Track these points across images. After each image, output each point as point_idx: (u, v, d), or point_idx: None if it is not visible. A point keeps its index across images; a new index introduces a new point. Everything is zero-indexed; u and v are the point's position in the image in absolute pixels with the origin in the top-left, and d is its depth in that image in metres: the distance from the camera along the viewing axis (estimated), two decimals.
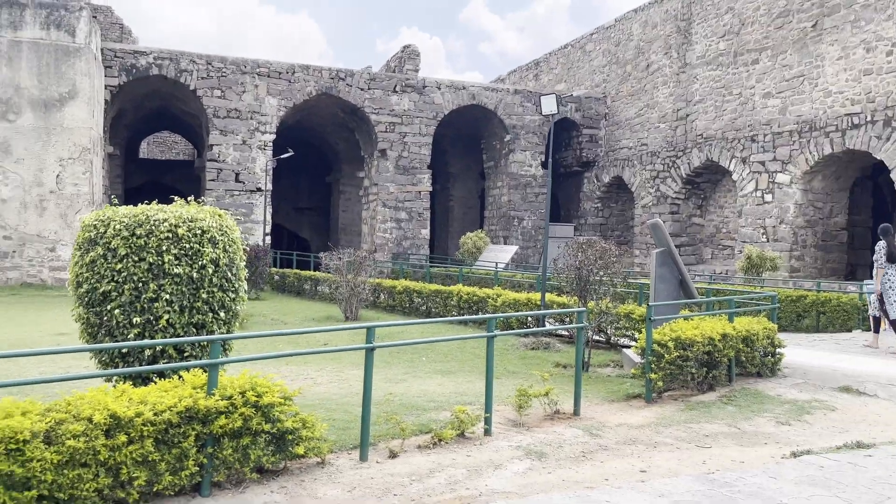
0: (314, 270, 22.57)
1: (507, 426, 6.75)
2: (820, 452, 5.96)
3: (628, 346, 10.63)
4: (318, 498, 4.73)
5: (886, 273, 11.21)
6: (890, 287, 11.19)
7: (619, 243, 27.19)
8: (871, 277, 12.35)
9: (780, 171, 20.56)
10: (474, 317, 7.71)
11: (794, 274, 19.96)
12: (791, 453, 6.01)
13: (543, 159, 30.67)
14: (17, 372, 8.38)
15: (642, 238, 27.08)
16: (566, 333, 12.10)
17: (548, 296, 12.38)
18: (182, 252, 5.87)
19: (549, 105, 11.70)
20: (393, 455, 5.64)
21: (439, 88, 29.07)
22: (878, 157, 17.70)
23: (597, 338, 11.24)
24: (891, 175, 17.39)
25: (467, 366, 9.92)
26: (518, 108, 30.27)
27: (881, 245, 11.25)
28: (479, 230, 28.93)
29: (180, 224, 5.92)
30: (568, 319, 11.04)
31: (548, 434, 6.52)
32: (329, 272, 16.77)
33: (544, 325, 11.70)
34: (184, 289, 5.85)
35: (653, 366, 7.81)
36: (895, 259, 11.19)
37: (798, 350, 10.99)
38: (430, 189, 29.62)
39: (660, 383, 7.82)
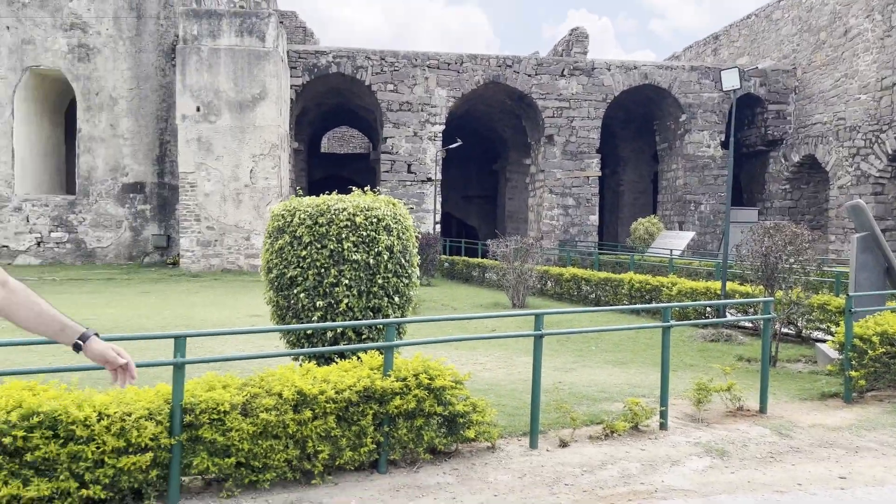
0: (482, 258, 22.86)
1: (684, 421, 6.40)
2: None
3: (823, 341, 9.72)
4: (488, 482, 4.77)
5: None
6: None
7: (812, 228, 24.90)
8: None
9: None
10: (647, 306, 7.38)
11: None
12: None
13: (723, 139, 28.77)
14: (219, 349, 9.28)
15: (838, 222, 24.60)
16: (749, 325, 11.29)
17: (729, 284, 11.61)
18: (360, 239, 6.15)
19: (730, 80, 10.90)
20: (563, 444, 5.56)
21: (609, 69, 28.19)
22: None
23: (785, 330, 10.38)
24: None
25: (640, 357, 9.56)
26: (694, 85, 28.60)
27: None
28: (652, 215, 27.76)
29: (358, 213, 6.19)
30: (752, 310, 10.29)
31: (730, 431, 6.10)
32: (496, 259, 16.90)
33: (725, 316, 11.00)
34: (361, 274, 6.13)
35: (853, 362, 7.05)
36: None
37: None
38: (599, 174, 28.88)
39: (862, 382, 7.05)
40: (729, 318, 10.30)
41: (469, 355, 9.34)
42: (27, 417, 3.86)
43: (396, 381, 4.90)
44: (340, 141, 46.61)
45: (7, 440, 3.78)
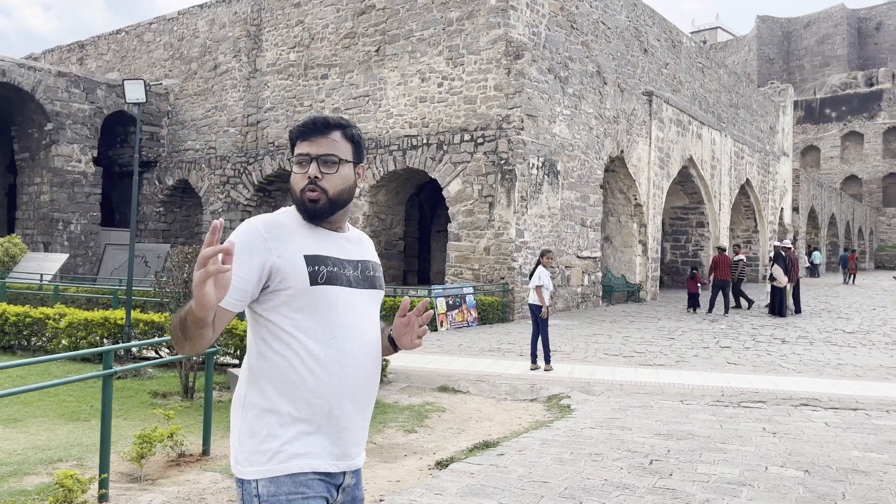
0: None
1: (124, 483, 5.38)
2: (462, 459, 6.14)
3: (234, 365, 9.79)
4: None
5: None
6: None
7: None
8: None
9: None
10: (72, 354, 6.06)
11: None
12: (436, 463, 6.08)
13: (95, 154, 27.00)
14: None
15: None
16: (167, 358, 10.58)
17: (133, 313, 10.66)
18: None
19: (135, 92, 10.04)
20: None
21: None
22: (433, 176, 20.04)
23: (195, 357, 10.06)
24: (443, 192, 19.86)
25: (36, 408, 7.83)
26: (63, 93, 26.03)
27: None
28: (12, 234, 23.91)
29: None
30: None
31: (181, 486, 5.39)
32: None
33: (131, 352, 10.05)
34: None
35: None
36: None
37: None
38: None
39: None
40: (166, 357, 9.43)
41: None
42: None
43: None
44: None
45: None
